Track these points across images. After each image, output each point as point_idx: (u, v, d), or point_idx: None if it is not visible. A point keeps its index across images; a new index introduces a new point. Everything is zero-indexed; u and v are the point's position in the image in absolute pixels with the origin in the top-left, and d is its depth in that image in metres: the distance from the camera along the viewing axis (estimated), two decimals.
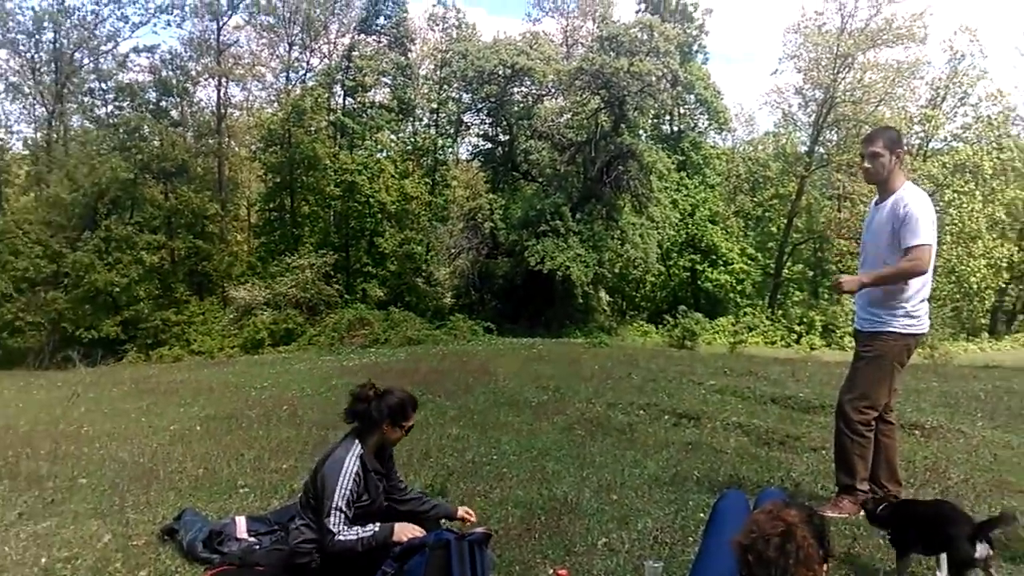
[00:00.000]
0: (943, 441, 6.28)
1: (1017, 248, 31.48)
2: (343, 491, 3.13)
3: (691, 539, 3.58)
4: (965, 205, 29.13)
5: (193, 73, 31.34)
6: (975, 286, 29.98)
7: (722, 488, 4.58)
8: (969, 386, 9.76)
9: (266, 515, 3.98)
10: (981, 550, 2.83)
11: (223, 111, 32.64)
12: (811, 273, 35.95)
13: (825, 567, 1.87)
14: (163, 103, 30.96)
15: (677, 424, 7.19)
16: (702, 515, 3.88)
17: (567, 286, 26.58)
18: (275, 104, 33.24)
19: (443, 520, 3.61)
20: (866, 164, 4.03)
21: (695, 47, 36.28)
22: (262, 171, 32.92)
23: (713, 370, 11.93)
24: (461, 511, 3.55)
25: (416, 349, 19.29)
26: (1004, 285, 32.14)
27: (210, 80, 31.96)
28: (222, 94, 32.45)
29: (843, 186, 31.80)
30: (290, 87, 32.80)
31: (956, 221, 28.75)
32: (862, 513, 3.58)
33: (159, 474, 5.36)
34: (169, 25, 31.25)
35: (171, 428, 7.45)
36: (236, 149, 34.80)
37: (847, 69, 32.68)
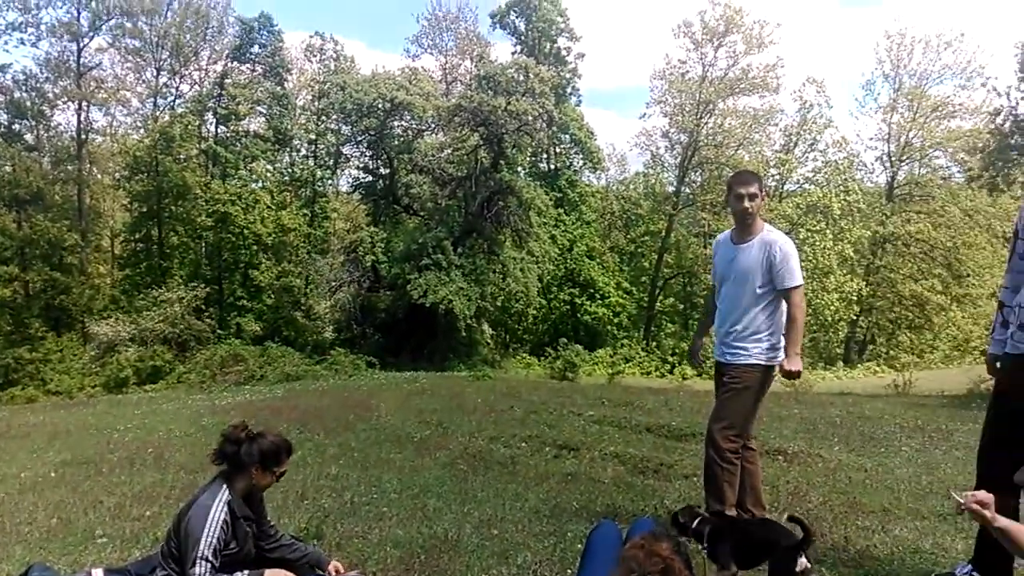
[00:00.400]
0: (804, 465, 6.67)
1: (865, 283, 34.25)
2: (209, 539, 2.98)
3: (569, 571, 3.64)
4: (818, 243, 31.45)
5: (50, 96, 29.44)
6: (830, 318, 32.30)
7: (599, 518, 4.70)
8: (826, 412, 10.42)
9: (126, 567, 3.71)
10: (801, 563, 3.04)
11: (84, 136, 30.81)
12: (681, 306, 37.67)
13: None
14: (16, 126, 28.86)
15: (558, 456, 7.29)
16: (579, 546, 3.94)
17: (450, 319, 26.59)
18: (141, 130, 31.76)
19: (315, 567, 3.48)
20: (746, 204, 4.18)
21: (569, 89, 37.62)
22: (127, 200, 31.27)
23: (592, 401, 12.18)
24: (331, 566, 3.40)
25: (295, 385, 18.65)
26: (855, 317, 34.83)
27: (69, 104, 30.18)
28: (83, 118, 30.72)
29: (708, 224, 33.68)
30: (158, 113, 31.43)
31: (810, 258, 30.96)
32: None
33: (4, 526, 4.93)
34: (23, 44, 29.08)
35: (21, 476, 6.87)
36: (98, 176, 32.92)
37: (709, 115, 34.90)
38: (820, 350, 33.15)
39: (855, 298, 33.58)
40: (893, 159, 35.74)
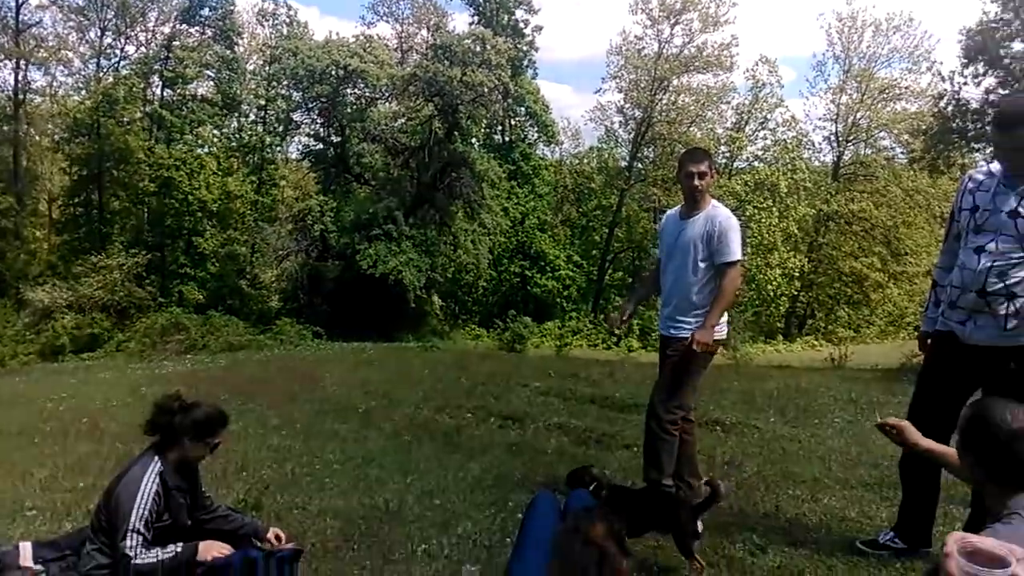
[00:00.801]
0: (740, 436, 6.86)
1: (807, 259, 35.11)
2: (140, 511, 2.91)
3: (509, 540, 3.67)
4: (763, 220, 32.05)
5: None
6: (772, 293, 33.08)
7: (541, 488, 4.76)
8: (764, 385, 10.70)
9: (56, 539, 3.62)
10: (699, 526, 3.21)
11: (21, 96, 29.43)
12: (630, 280, 38.08)
13: (626, 563, 2.01)
14: None
15: (503, 426, 7.35)
16: (520, 515, 3.98)
17: (399, 290, 26.43)
18: (83, 92, 30.47)
19: (252, 538, 3.44)
20: (696, 182, 4.20)
21: (525, 62, 37.36)
22: (66, 163, 30.15)
23: (539, 372, 12.26)
24: (271, 533, 3.36)
25: (238, 355, 18.34)
26: (796, 292, 35.74)
27: (6, 62, 28.76)
28: (20, 78, 29.31)
29: (659, 199, 34.02)
30: (101, 75, 30.19)
31: (756, 234, 31.56)
32: None
33: None
34: None
35: None
36: (36, 138, 31.52)
37: (663, 91, 35.10)
38: (761, 324, 33.96)
39: (797, 274, 34.43)
40: (840, 139, 36.52)
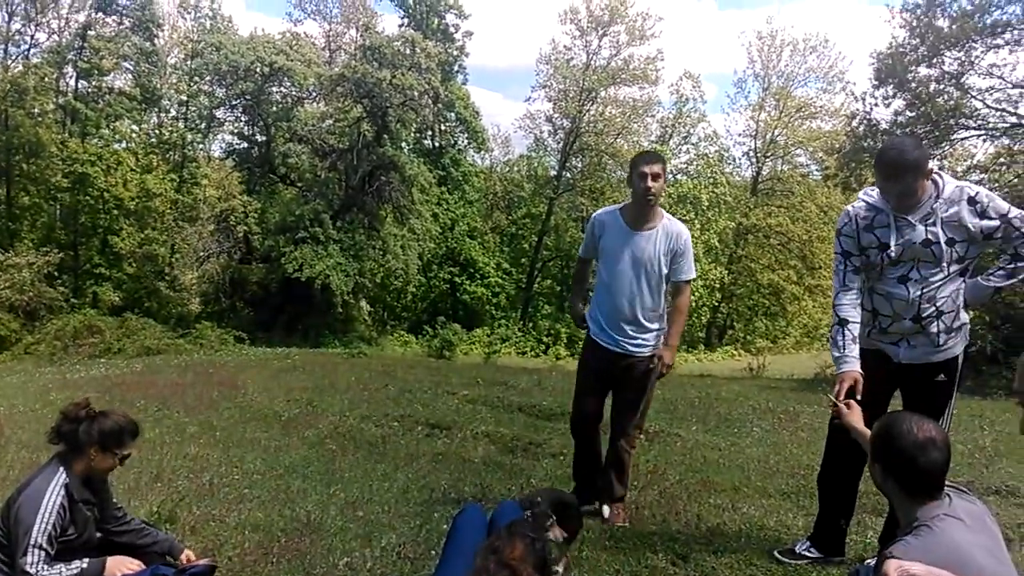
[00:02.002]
0: (663, 445, 6.99)
1: (727, 271, 36.20)
2: (43, 525, 2.75)
3: (434, 552, 3.64)
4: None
5: None
6: (693, 304, 33.91)
7: (467, 498, 4.73)
8: (686, 393, 10.97)
9: None
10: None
11: None
12: (558, 288, 38.49)
13: None
14: None
15: (430, 435, 7.29)
16: (446, 526, 3.95)
17: (326, 295, 25.98)
18: None
19: (166, 555, 3.29)
20: (650, 183, 4.02)
21: (456, 67, 37.35)
22: None
23: (467, 380, 12.26)
24: (183, 556, 3.19)
25: (155, 360, 17.66)
26: (717, 303, 36.80)
27: None
28: None
29: (586, 209, 34.50)
30: (9, 62, 28.59)
31: None
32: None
33: None
34: None
35: None
36: None
37: (591, 102, 35.65)
38: (684, 334, 34.82)
39: (718, 285, 35.47)
40: (759, 155, 37.85)
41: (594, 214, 4.48)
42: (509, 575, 1.91)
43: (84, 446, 2.92)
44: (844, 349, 3.28)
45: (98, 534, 3.10)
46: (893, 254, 3.22)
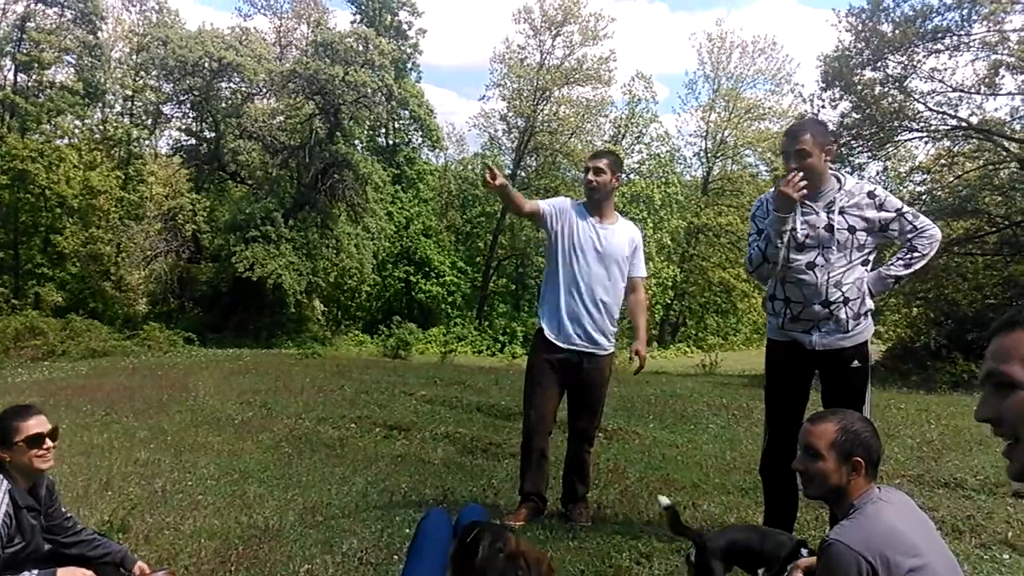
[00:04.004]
0: (622, 443, 7.05)
1: (679, 270, 36.71)
2: None
3: (396, 557, 3.59)
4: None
5: None
6: (648, 302, 34.27)
7: (429, 501, 4.69)
8: (643, 391, 11.06)
9: None
10: None
11: None
12: (513, 287, 38.55)
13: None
14: None
15: (388, 436, 7.23)
16: (408, 530, 3.91)
17: (279, 294, 25.58)
18: None
19: (120, 567, 3.18)
20: (591, 176, 4.13)
21: (409, 65, 37.09)
22: None
23: (425, 380, 12.20)
24: (136, 568, 3.08)
25: (101, 362, 17.18)
26: (669, 301, 37.30)
27: None
28: None
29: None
30: None
31: None
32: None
33: None
34: None
35: None
36: None
37: (545, 102, 35.77)
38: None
39: (670, 283, 35.95)
40: (709, 155, 38.51)
41: (562, 198, 4.41)
42: (522, 562, 1.88)
43: None
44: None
45: (48, 545, 2.99)
46: (799, 236, 3.43)
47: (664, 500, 3.08)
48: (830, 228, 3.38)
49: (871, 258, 3.50)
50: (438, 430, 7.35)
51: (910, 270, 3.46)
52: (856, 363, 3.46)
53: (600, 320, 4.15)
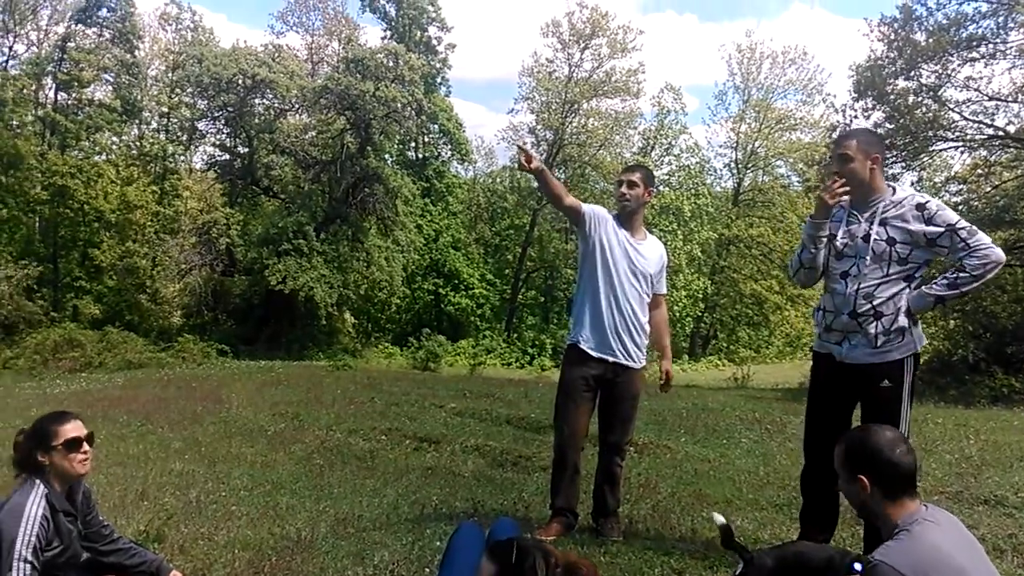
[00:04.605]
0: (653, 457, 6.98)
1: (710, 282, 36.40)
2: (27, 537, 2.67)
3: (427, 570, 3.60)
4: (669, 243, 33.06)
5: None
6: (677, 314, 34.07)
7: (459, 513, 4.69)
8: (673, 404, 10.95)
9: None
10: None
11: None
12: (543, 299, 38.51)
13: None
14: None
15: (418, 449, 7.25)
16: (439, 543, 3.92)
17: (310, 307, 25.85)
18: None
19: None
20: (623, 189, 4.10)
21: (438, 79, 37.41)
22: None
23: (454, 392, 12.22)
24: (172, 575, 3.15)
25: (137, 374, 17.51)
26: (700, 314, 36.97)
27: None
28: None
29: (569, 221, 34.55)
30: None
31: None
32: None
33: None
34: None
35: None
36: None
37: (574, 114, 35.79)
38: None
39: (701, 296, 35.64)
40: (740, 166, 38.17)
41: (600, 206, 4.32)
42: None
43: (33, 457, 2.85)
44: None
45: (86, 554, 3.04)
46: (839, 244, 3.39)
47: (719, 518, 3.06)
48: (867, 238, 3.30)
49: (918, 275, 3.34)
50: (468, 443, 7.35)
51: (955, 291, 3.28)
52: (886, 383, 3.30)
53: (636, 334, 4.14)
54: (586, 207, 4.17)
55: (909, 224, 3.25)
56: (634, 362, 4.14)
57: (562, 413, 4.19)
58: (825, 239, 3.46)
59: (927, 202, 3.28)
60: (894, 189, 3.37)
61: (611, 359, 4.08)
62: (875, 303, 3.29)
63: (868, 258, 3.30)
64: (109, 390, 13.09)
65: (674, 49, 64.34)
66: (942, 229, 3.21)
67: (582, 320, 4.15)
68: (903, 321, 3.29)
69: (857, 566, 2.47)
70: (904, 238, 3.25)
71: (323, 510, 4.85)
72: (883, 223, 3.29)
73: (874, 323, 3.30)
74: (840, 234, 3.39)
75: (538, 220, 36.34)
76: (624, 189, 4.11)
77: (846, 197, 3.32)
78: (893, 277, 3.29)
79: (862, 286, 3.31)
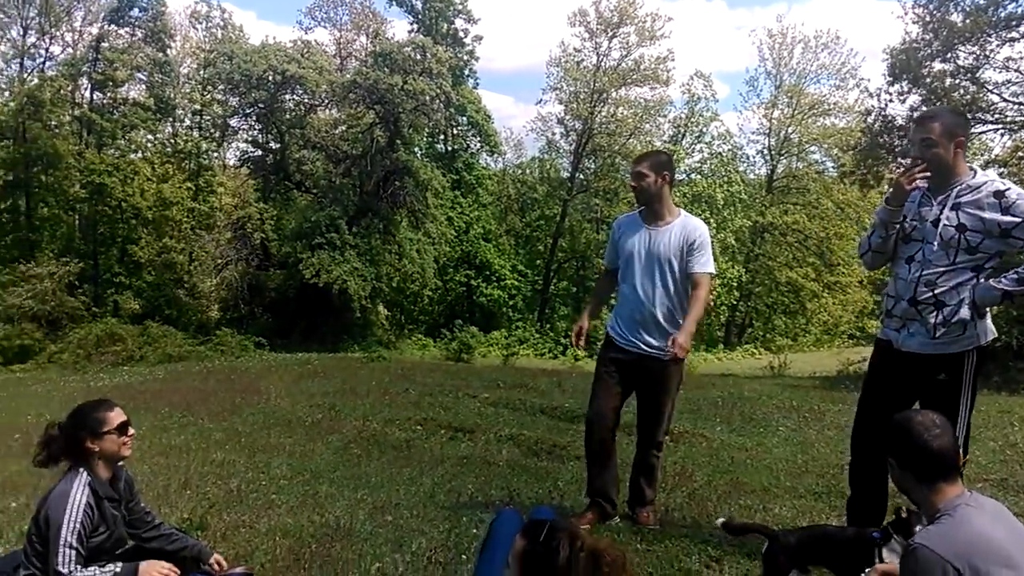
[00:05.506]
0: (688, 446, 6.94)
1: (744, 270, 35.98)
2: (73, 524, 2.75)
3: (464, 557, 3.63)
4: None
5: None
6: (712, 303, 33.73)
7: (495, 502, 4.71)
8: (709, 393, 10.89)
9: None
10: None
11: None
12: (574, 289, 38.43)
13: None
14: None
15: (453, 438, 7.28)
16: (475, 531, 3.95)
17: (344, 299, 26.09)
18: (6, 93, 29.15)
19: (197, 561, 3.28)
20: (634, 182, 4.15)
21: (466, 71, 37.39)
22: None
23: (488, 383, 12.24)
24: (213, 559, 3.19)
25: (177, 367, 17.82)
26: (735, 302, 36.58)
27: None
28: None
29: (600, 210, 34.43)
30: (25, 75, 28.95)
31: None
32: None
33: None
34: None
35: None
36: None
37: (602, 103, 35.59)
38: (702, 333, 34.67)
39: (735, 284, 35.25)
40: (773, 153, 37.63)
41: (616, 219, 4.53)
42: (595, 554, 1.87)
43: (81, 444, 2.91)
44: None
45: (131, 541, 3.11)
46: (907, 227, 3.26)
47: (718, 520, 3.08)
48: (936, 222, 3.13)
49: (987, 266, 3.15)
50: (502, 432, 7.36)
51: (1022, 287, 3.05)
52: (943, 376, 3.18)
53: (654, 322, 4.08)
54: (607, 260, 4.48)
55: (983, 212, 3.05)
56: (657, 351, 4.05)
57: (592, 392, 4.29)
58: (898, 225, 3.31)
59: (1007, 189, 3.06)
60: (975, 172, 3.16)
61: (635, 351, 4.12)
62: (937, 292, 3.14)
63: (935, 244, 3.13)
64: (151, 383, 13.35)
65: (703, 35, 63.53)
66: (1019, 220, 3.00)
67: (614, 311, 4.34)
68: (965, 313, 3.13)
69: (876, 534, 2.46)
70: (976, 225, 3.06)
71: (361, 498, 4.90)
72: (956, 208, 3.10)
73: (934, 312, 3.15)
74: (910, 216, 3.24)
75: (568, 210, 36.24)
76: (633, 182, 4.20)
77: (925, 183, 3.17)
78: (960, 266, 3.12)
79: (925, 273, 3.16)
